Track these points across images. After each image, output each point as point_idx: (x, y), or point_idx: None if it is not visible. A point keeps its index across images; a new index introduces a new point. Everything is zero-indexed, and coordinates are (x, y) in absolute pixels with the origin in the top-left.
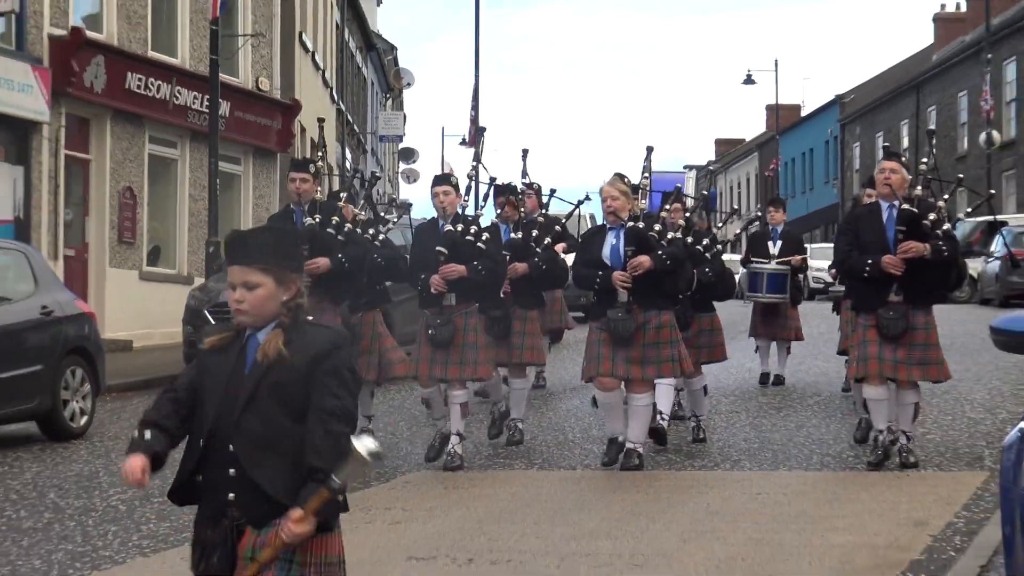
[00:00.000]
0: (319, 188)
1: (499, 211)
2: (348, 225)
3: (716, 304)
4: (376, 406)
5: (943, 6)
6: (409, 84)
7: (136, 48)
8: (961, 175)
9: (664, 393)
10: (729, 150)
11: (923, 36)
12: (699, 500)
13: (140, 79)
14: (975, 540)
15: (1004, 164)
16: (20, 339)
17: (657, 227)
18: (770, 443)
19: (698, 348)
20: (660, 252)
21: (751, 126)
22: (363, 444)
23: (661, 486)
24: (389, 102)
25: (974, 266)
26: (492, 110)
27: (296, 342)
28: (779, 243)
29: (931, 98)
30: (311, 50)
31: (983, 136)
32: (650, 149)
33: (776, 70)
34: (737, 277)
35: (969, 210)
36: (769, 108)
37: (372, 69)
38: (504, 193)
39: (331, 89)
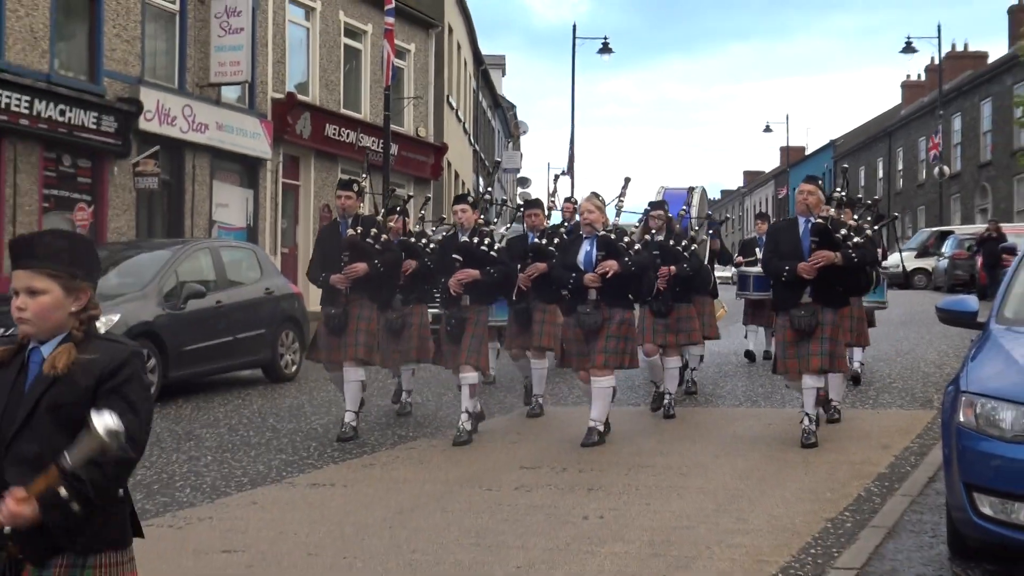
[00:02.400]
0: (362, 204)
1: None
2: (385, 236)
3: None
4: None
5: (908, 76)
6: (524, 131)
7: (332, 106)
8: (877, 197)
9: (672, 377)
10: (753, 179)
11: (893, 97)
12: (726, 428)
13: (335, 128)
14: (925, 459)
15: (951, 190)
16: (251, 311)
17: (626, 238)
18: (779, 390)
19: (677, 332)
20: (627, 259)
21: (769, 161)
22: (102, 420)
23: (698, 419)
24: (510, 144)
25: (929, 263)
26: (584, 150)
27: (84, 359)
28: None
29: (899, 142)
30: (455, 107)
31: (936, 170)
32: (627, 180)
33: (787, 121)
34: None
35: (876, 227)
36: (782, 149)
37: (498, 121)
38: (532, 207)
39: (469, 135)
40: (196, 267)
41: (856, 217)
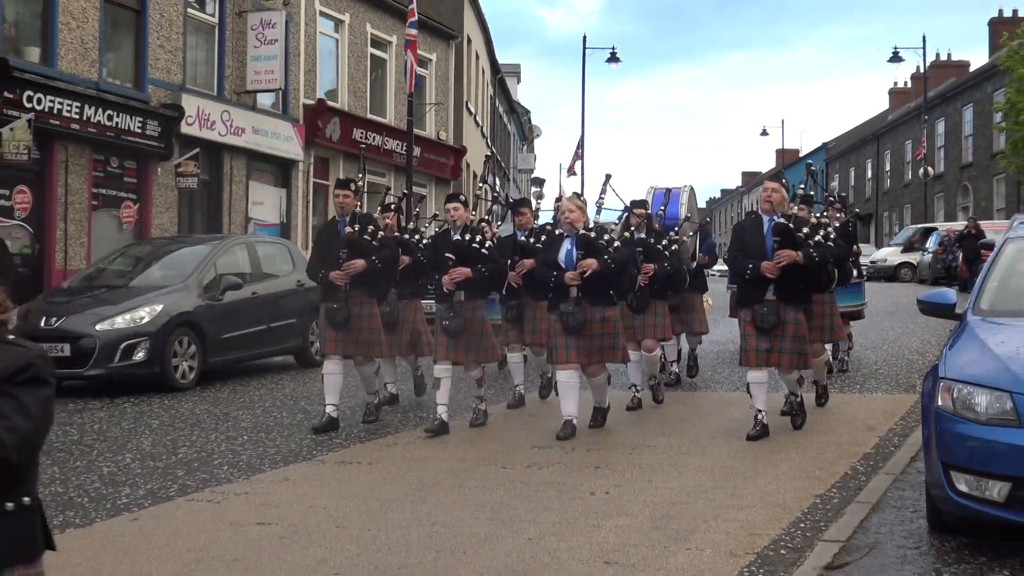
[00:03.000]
0: (359, 203)
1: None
2: (382, 233)
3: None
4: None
5: (895, 83)
6: (538, 135)
7: (359, 112)
8: (843, 194)
9: (634, 370)
10: (751, 179)
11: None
12: (723, 412)
13: (362, 132)
14: (908, 440)
15: (935, 189)
16: (284, 301)
17: (606, 236)
18: (772, 376)
19: (654, 327)
20: (606, 256)
21: (766, 163)
22: None
23: (699, 402)
24: (525, 147)
25: (914, 257)
26: (593, 152)
27: None
28: None
29: (887, 145)
30: (473, 113)
31: (920, 171)
32: (608, 176)
33: (783, 126)
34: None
35: (848, 222)
36: (777, 151)
37: (514, 125)
38: (519, 206)
39: (486, 138)
40: (233, 261)
41: (820, 215)
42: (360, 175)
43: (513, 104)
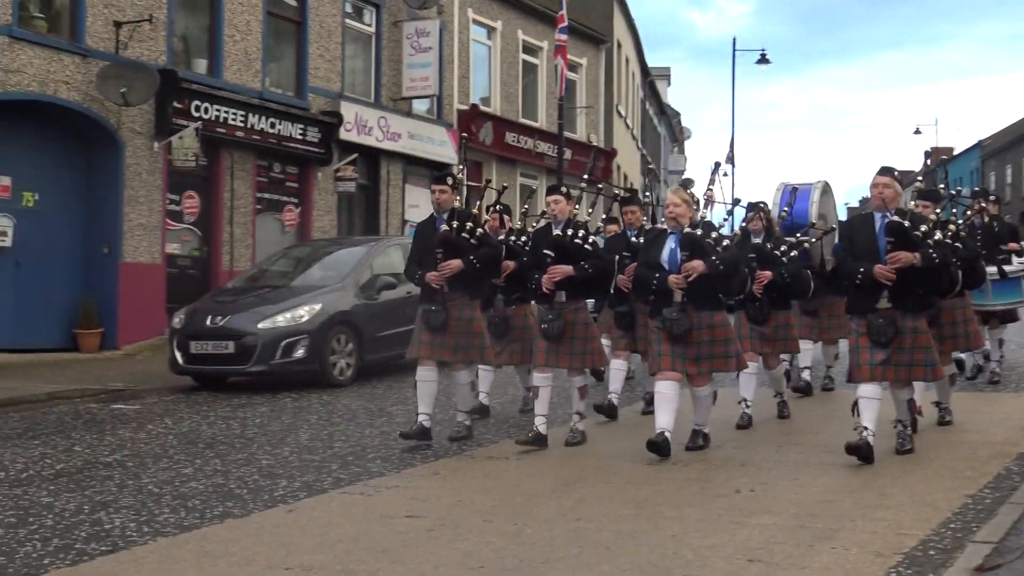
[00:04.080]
0: (457, 198)
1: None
2: (480, 230)
3: None
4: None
5: None
6: (688, 136)
7: (511, 116)
8: (960, 188)
9: (745, 382)
10: (903, 178)
11: None
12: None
13: (514, 136)
14: None
15: None
16: (408, 308)
17: (714, 234)
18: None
19: (774, 341)
20: (713, 257)
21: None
22: None
23: (847, 400)
24: (675, 148)
25: None
26: (743, 152)
27: None
28: None
29: None
30: (623, 115)
31: None
32: (717, 164)
33: (936, 124)
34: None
35: (962, 222)
36: (926, 152)
37: (664, 127)
38: (627, 203)
39: (636, 140)
40: (389, 261)
41: (939, 211)
42: (460, 167)
43: (663, 106)
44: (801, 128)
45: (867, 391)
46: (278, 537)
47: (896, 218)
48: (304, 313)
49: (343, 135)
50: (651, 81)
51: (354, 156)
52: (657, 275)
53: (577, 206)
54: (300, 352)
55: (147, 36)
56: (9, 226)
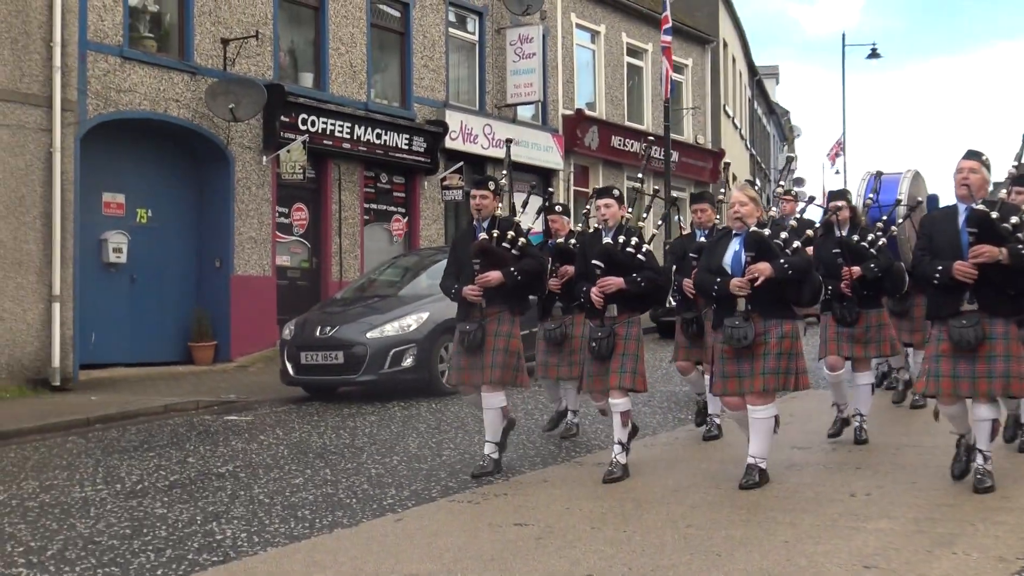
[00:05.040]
0: (500, 204)
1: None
2: (523, 240)
3: None
4: None
5: None
6: (798, 135)
7: (617, 120)
8: None
9: (863, 395)
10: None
11: None
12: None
13: (620, 140)
14: None
15: None
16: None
17: (783, 235)
18: None
19: (866, 343)
20: (782, 260)
21: None
22: None
23: None
24: (785, 147)
25: None
26: (855, 148)
27: None
28: None
29: None
30: (731, 116)
31: None
32: (789, 159)
33: None
34: None
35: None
36: None
37: (773, 126)
38: (696, 201)
39: (744, 140)
40: None
41: None
42: (504, 172)
43: (772, 105)
44: (914, 121)
45: (950, 411)
46: (386, 546)
47: (982, 207)
48: (412, 322)
49: (448, 144)
50: (759, 80)
51: (460, 164)
52: (719, 280)
53: (630, 210)
54: (408, 361)
55: (253, 52)
56: (124, 243)
